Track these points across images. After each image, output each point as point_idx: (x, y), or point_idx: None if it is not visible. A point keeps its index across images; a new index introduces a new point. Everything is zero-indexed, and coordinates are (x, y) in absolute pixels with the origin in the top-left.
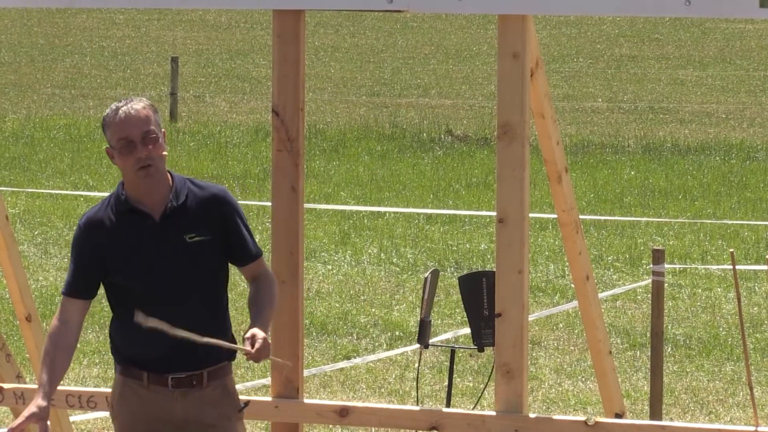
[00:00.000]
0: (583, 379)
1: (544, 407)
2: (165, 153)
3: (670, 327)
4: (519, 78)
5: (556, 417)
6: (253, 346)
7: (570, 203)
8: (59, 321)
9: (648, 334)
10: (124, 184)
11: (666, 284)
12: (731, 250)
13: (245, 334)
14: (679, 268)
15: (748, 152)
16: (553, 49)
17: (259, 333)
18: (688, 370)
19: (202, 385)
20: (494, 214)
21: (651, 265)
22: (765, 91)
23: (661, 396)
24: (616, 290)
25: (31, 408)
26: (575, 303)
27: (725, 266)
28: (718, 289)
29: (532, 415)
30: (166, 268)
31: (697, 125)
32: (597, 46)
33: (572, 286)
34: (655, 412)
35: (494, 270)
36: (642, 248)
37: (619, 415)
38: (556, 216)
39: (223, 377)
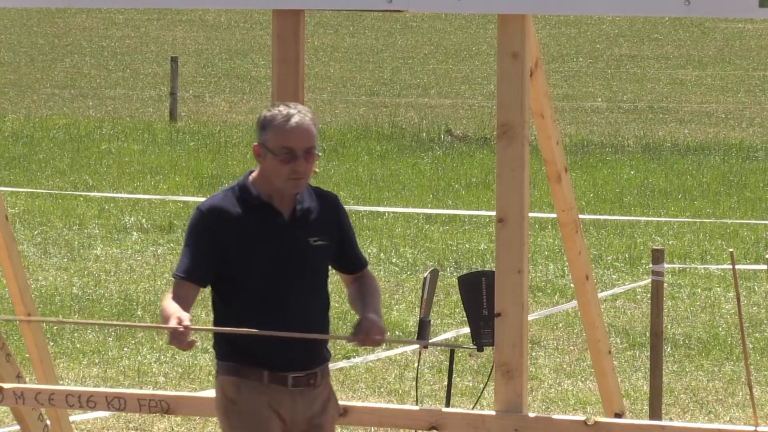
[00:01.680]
0: (583, 378)
1: (543, 407)
2: (316, 171)
3: (669, 327)
4: (518, 78)
5: (555, 417)
6: (361, 331)
7: (569, 203)
8: (174, 295)
9: (647, 334)
10: (252, 177)
11: (665, 284)
12: (731, 249)
13: (359, 321)
14: (679, 267)
15: (747, 152)
16: (552, 48)
17: (368, 317)
18: (687, 369)
19: (315, 385)
20: (494, 213)
21: (650, 265)
22: (764, 91)
23: (661, 396)
24: (616, 290)
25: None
26: (575, 303)
27: (725, 266)
28: (718, 289)
29: (531, 415)
30: (288, 267)
31: (697, 125)
32: (596, 45)
33: (572, 285)
34: (655, 412)
35: (494, 270)
36: (641, 248)
37: (618, 415)
38: (555, 216)
39: (328, 377)
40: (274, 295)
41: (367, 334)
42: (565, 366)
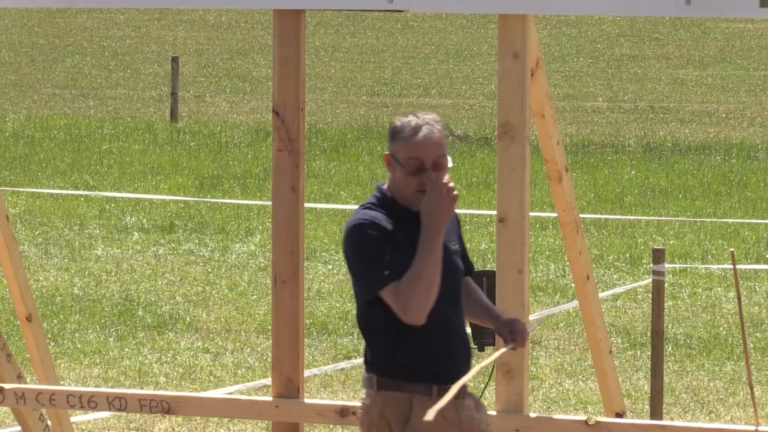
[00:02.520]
0: (584, 378)
1: (544, 407)
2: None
3: (670, 326)
4: (519, 77)
5: (556, 416)
6: (518, 335)
7: (570, 203)
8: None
9: (648, 334)
10: (387, 187)
11: (666, 284)
12: (731, 249)
13: (502, 324)
14: (680, 267)
15: (748, 152)
16: (553, 48)
17: (512, 319)
18: (688, 369)
19: (466, 396)
20: (494, 213)
21: (651, 265)
22: (765, 91)
23: (662, 395)
24: (617, 290)
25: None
26: (575, 302)
27: (726, 266)
28: (719, 289)
29: (532, 415)
30: (444, 274)
31: (698, 125)
32: (597, 45)
33: (572, 285)
34: (656, 412)
35: (495, 269)
36: (642, 248)
37: (619, 415)
38: (556, 215)
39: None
40: (437, 305)
41: (521, 335)
42: (566, 366)
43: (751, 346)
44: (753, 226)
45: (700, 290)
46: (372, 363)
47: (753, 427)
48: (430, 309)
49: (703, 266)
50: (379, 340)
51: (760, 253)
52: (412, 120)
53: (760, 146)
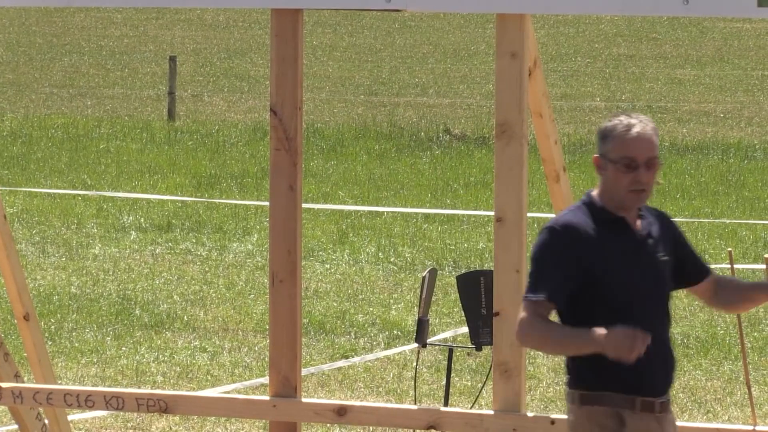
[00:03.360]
0: None
1: (542, 406)
2: (660, 182)
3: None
4: (517, 77)
5: (554, 416)
6: None
7: (568, 202)
8: (537, 315)
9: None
10: (596, 193)
11: None
12: (729, 249)
13: None
14: None
15: (746, 151)
16: (551, 48)
17: None
18: (686, 369)
19: (668, 410)
20: (492, 213)
21: None
22: (763, 91)
23: None
24: None
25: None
26: None
27: (723, 265)
28: None
29: (530, 414)
30: (648, 285)
31: (695, 124)
32: (595, 45)
33: None
34: None
35: (492, 269)
36: None
37: None
38: (554, 215)
39: None
40: (639, 315)
41: None
42: (563, 365)
43: (749, 345)
44: (751, 225)
45: None
46: (574, 378)
47: (751, 427)
48: (629, 319)
49: None
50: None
51: (758, 252)
52: (624, 119)
53: (757, 146)
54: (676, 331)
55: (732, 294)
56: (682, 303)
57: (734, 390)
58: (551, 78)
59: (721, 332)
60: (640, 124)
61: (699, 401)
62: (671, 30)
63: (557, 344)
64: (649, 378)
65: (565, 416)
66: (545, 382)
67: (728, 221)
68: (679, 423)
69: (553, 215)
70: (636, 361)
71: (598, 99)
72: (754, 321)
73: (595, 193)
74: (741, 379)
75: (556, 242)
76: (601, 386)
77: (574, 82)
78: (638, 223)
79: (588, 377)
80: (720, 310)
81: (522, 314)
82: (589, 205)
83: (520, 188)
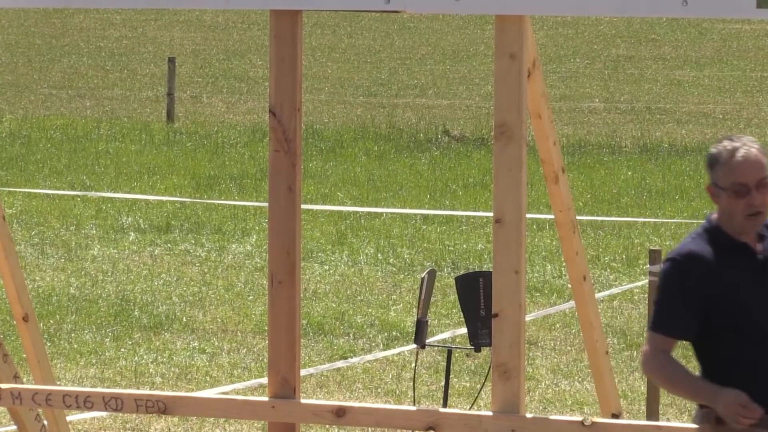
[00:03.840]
0: (580, 379)
1: (540, 407)
2: None
3: None
4: (516, 78)
5: (552, 417)
6: None
7: (567, 203)
8: (661, 352)
9: (645, 335)
10: (716, 218)
11: None
12: None
13: None
14: None
15: None
16: (550, 49)
17: None
18: None
19: None
20: (491, 214)
21: (647, 266)
22: (762, 92)
23: (658, 396)
24: (613, 290)
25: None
26: (572, 303)
27: None
28: None
29: (528, 416)
30: None
31: (694, 125)
32: (594, 46)
33: (569, 286)
34: (652, 413)
35: (491, 270)
36: (639, 248)
37: (615, 416)
38: (553, 216)
39: None
40: (762, 338)
41: None
42: (562, 366)
43: None
44: None
45: None
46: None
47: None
48: (762, 344)
49: None
50: (712, 371)
51: None
52: (727, 144)
53: None
54: None
55: None
56: None
57: None
58: (550, 79)
59: None
60: (744, 147)
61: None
62: (670, 31)
63: (678, 389)
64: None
65: (563, 417)
66: (544, 383)
67: None
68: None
69: (551, 216)
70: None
71: (597, 100)
72: None
73: (714, 217)
74: None
75: (678, 273)
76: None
77: (573, 84)
78: (759, 246)
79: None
80: None
81: (646, 347)
82: (712, 230)
83: (518, 189)
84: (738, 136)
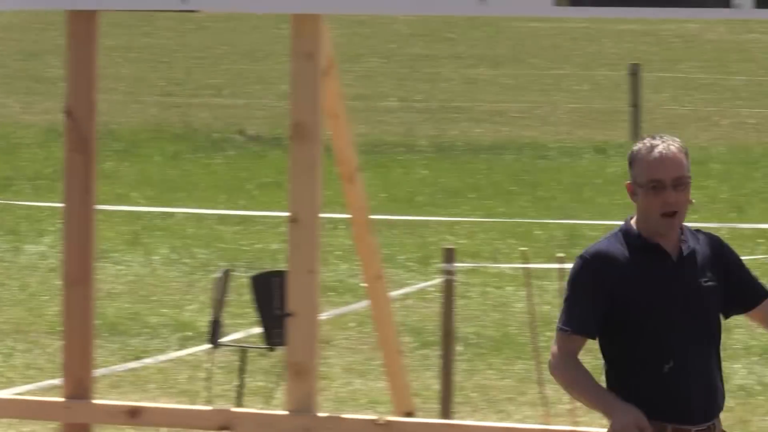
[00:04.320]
0: (374, 378)
1: (334, 406)
2: (690, 202)
3: (460, 325)
4: (312, 78)
5: (346, 416)
6: None
7: (362, 203)
8: (568, 353)
9: (439, 333)
10: (633, 221)
11: (457, 283)
12: (523, 248)
13: None
14: (471, 266)
15: (540, 151)
16: (345, 48)
17: None
18: (478, 368)
19: None
20: (287, 214)
21: (442, 264)
22: (558, 90)
23: (452, 394)
24: (408, 289)
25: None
26: (366, 302)
27: (517, 265)
28: (510, 288)
29: (322, 415)
30: (683, 311)
31: (490, 124)
32: (390, 45)
33: (364, 285)
34: (446, 411)
35: (286, 270)
36: (433, 247)
37: (409, 414)
38: (348, 216)
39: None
40: (672, 342)
41: None
42: (356, 366)
43: (542, 344)
44: (544, 225)
45: (490, 289)
46: None
47: (543, 426)
48: (664, 346)
49: (494, 265)
50: (611, 371)
51: (551, 252)
52: (648, 141)
53: (551, 145)
54: (469, 330)
55: None
56: (475, 302)
57: (527, 389)
58: (346, 78)
59: (514, 331)
60: (663, 144)
61: (491, 400)
62: (467, 30)
63: (580, 396)
64: (683, 405)
65: (357, 416)
66: (338, 382)
67: (522, 221)
68: (471, 422)
69: (346, 216)
70: (666, 388)
71: (393, 99)
72: (547, 320)
73: (632, 219)
74: (533, 378)
75: (586, 271)
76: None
77: (368, 83)
78: (678, 247)
79: (620, 396)
80: None
81: (554, 347)
82: (625, 232)
83: (314, 189)
84: (660, 135)
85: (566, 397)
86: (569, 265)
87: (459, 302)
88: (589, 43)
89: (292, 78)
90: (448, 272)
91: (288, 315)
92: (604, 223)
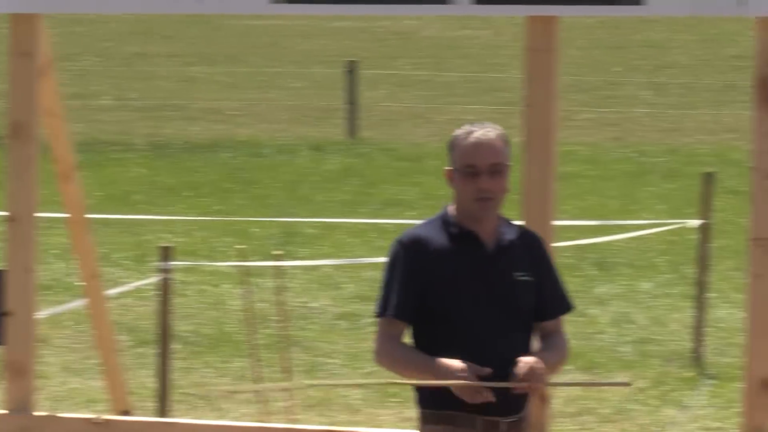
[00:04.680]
0: (91, 376)
1: (51, 405)
2: (508, 190)
3: (177, 324)
4: (29, 77)
5: (63, 415)
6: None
7: (79, 202)
8: (389, 337)
9: (156, 331)
10: (451, 207)
11: (174, 281)
12: (240, 246)
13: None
14: (187, 265)
15: (256, 148)
16: (61, 47)
17: (527, 359)
18: (196, 366)
19: (521, 428)
20: (4, 213)
21: (158, 263)
22: (273, 88)
23: (169, 393)
24: (124, 288)
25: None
26: (83, 301)
27: (233, 263)
28: (226, 286)
29: (39, 414)
30: (493, 301)
31: (206, 122)
32: (106, 44)
33: (80, 284)
34: (163, 409)
35: (3, 269)
36: (150, 246)
37: (126, 413)
38: (65, 215)
39: (528, 420)
40: (481, 331)
41: (529, 376)
42: (73, 364)
43: (259, 342)
44: (261, 223)
45: (207, 287)
46: (419, 396)
47: (261, 424)
48: (468, 334)
49: (211, 263)
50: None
51: (268, 249)
52: (467, 127)
53: (267, 143)
54: (186, 328)
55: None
56: (192, 300)
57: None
58: (62, 77)
59: (232, 329)
60: (480, 131)
61: (209, 398)
62: (184, 28)
63: (409, 371)
64: (494, 396)
65: (74, 414)
66: (55, 380)
67: (239, 218)
68: (188, 420)
69: (64, 215)
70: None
71: (108, 98)
72: (264, 318)
73: (450, 206)
74: (251, 375)
75: (403, 256)
76: (444, 406)
77: (84, 82)
78: (495, 238)
79: (431, 396)
80: None
81: (375, 333)
82: (443, 218)
83: (30, 188)
84: (481, 122)
85: (282, 394)
86: (286, 263)
87: (176, 300)
88: (306, 40)
89: (11, 77)
90: (165, 270)
91: (5, 314)
92: (322, 221)
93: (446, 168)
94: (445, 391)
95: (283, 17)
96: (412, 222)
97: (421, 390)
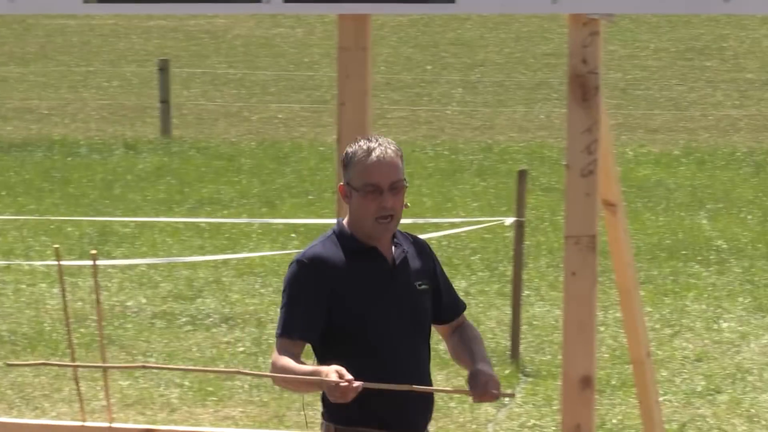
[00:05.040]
0: None
1: None
2: (407, 204)
3: None
4: None
5: None
6: (478, 386)
7: None
8: (284, 357)
9: None
10: (346, 222)
11: None
12: (55, 245)
13: (471, 374)
14: (4, 264)
15: (70, 147)
16: None
17: (483, 370)
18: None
19: None
20: None
21: None
22: (86, 87)
23: None
24: None
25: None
26: None
27: (50, 262)
28: (43, 285)
29: None
30: (402, 314)
31: (19, 122)
32: None
33: None
34: None
35: None
36: None
37: None
38: None
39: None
40: (388, 346)
41: (485, 388)
42: None
43: (76, 341)
44: (76, 222)
45: (24, 287)
46: (329, 411)
47: (80, 423)
48: (382, 351)
49: (26, 263)
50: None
51: (84, 248)
52: (363, 144)
53: (81, 142)
54: (3, 328)
55: (457, 354)
56: (9, 300)
57: (62, 386)
58: None
59: (49, 328)
60: (380, 147)
61: (27, 398)
62: None
63: (298, 385)
64: (398, 414)
65: None
66: None
67: (54, 218)
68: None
69: None
70: (384, 395)
71: None
72: (81, 317)
73: (345, 221)
74: (69, 375)
75: (304, 276)
76: (354, 421)
77: None
78: (392, 251)
79: (341, 411)
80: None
81: (273, 356)
82: (340, 234)
83: None
84: (375, 136)
85: (101, 393)
86: (102, 262)
87: None
88: (118, 39)
89: None
90: None
91: None
92: (136, 220)
93: (341, 184)
94: (354, 404)
95: (94, 16)
96: (227, 221)
97: (329, 406)
